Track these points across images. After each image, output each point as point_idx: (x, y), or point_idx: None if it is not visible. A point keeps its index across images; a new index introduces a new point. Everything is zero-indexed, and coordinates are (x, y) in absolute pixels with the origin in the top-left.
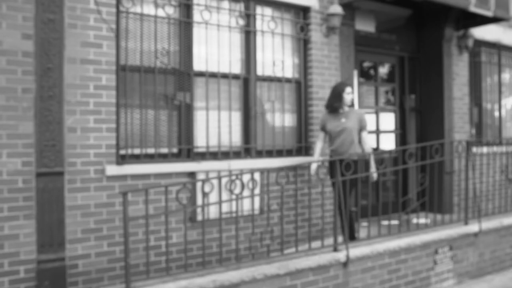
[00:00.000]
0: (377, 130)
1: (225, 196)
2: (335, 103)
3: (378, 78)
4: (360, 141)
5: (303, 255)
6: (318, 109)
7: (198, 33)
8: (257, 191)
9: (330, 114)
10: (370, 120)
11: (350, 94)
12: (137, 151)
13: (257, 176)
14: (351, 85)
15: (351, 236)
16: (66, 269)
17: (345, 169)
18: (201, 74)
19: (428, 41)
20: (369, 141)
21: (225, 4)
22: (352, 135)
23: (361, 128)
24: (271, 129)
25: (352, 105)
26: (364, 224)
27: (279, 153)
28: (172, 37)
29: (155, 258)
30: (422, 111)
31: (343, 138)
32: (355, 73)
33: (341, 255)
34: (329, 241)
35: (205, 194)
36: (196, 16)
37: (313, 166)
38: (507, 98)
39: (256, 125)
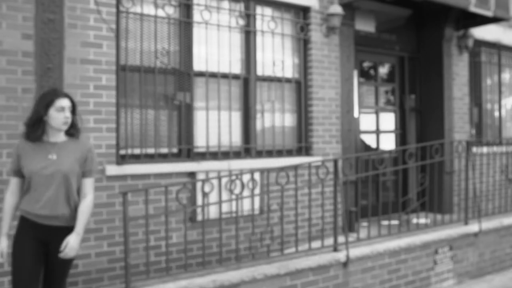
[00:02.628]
0: (377, 130)
1: (225, 196)
2: (35, 127)
3: (378, 78)
4: (78, 192)
5: (303, 255)
6: (318, 109)
7: (198, 33)
8: (257, 191)
9: (31, 144)
10: (370, 120)
11: (66, 112)
12: (137, 151)
13: (257, 176)
14: (69, 96)
15: None
16: None
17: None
18: (201, 74)
19: (428, 41)
20: (91, 192)
21: (225, 4)
22: (69, 184)
23: (86, 172)
24: (271, 129)
25: (74, 133)
26: (364, 224)
27: (279, 153)
28: (172, 37)
29: (155, 258)
30: (422, 111)
31: (55, 190)
32: (355, 73)
33: (341, 255)
34: (329, 241)
35: (205, 194)
36: (196, 16)
37: (3, 247)
38: (507, 98)
39: (256, 125)
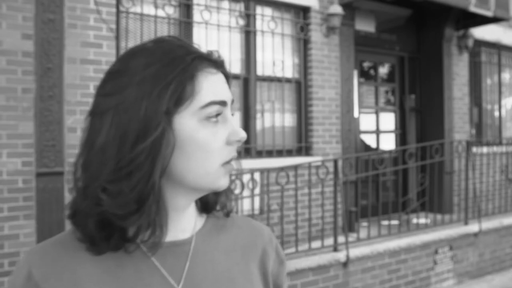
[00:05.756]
0: (377, 130)
1: None
2: (132, 198)
3: (378, 78)
4: None
5: (303, 255)
6: (318, 109)
7: (198, 33)
8: (257, 191)
9: (92, 264)
10: (370, 120)
11: (232, 121)
12: None
13: (257, 176)
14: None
15: None
16: None
17: None
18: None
19: (428, 41)
20: None
21: (225, 4)
22: None
23: None
24: (271, 129)
25: (225, 201)
26: (364, 224)
27: (279, 153)
28: None
29: None
30: (422, 111)
31: None
32: (355, 73)
33: (341, 255)
34: (329, 241)
35: None
36: (196, 16)
37: None
38: (507, 98)
39: (256, 125)
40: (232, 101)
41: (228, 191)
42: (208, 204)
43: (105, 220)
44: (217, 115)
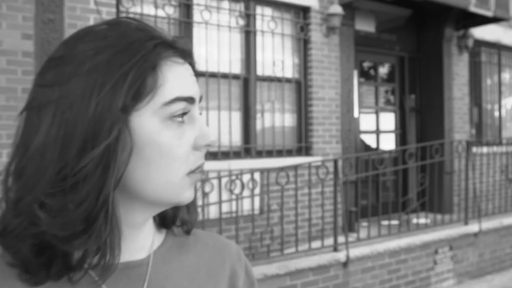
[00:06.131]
0: (377, 130)
1: (225, 196)
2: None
3: (378, 78)
4: None
5: (303, 255)
6: (318, 109)
7: (198, 33)
8: (257, 191)
9: None
10: (370, 120)
11: (200, 123)
12: None
13: (257, 176)
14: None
15: None
16: None
17: None
18: (201, 74)
19: (428, 41)
20: None
21: (225, 4)
22: None
23: None
24: (271, 129)
25: (186, 218)
26: (364, 224)
27: (279, 153)
28: None
29: None
30: (422, 111)
31: None
32: (355, 73)
33: (341, 255)
34: (329, 241)
35: (205, 194)
36: (196, 16)
37: None
38: (507, 98)
39: (256, 125)
40: (200, 98)
41: (191, 205)
42: (166, 218)
43: (43, 242)
44: (183, 114)
